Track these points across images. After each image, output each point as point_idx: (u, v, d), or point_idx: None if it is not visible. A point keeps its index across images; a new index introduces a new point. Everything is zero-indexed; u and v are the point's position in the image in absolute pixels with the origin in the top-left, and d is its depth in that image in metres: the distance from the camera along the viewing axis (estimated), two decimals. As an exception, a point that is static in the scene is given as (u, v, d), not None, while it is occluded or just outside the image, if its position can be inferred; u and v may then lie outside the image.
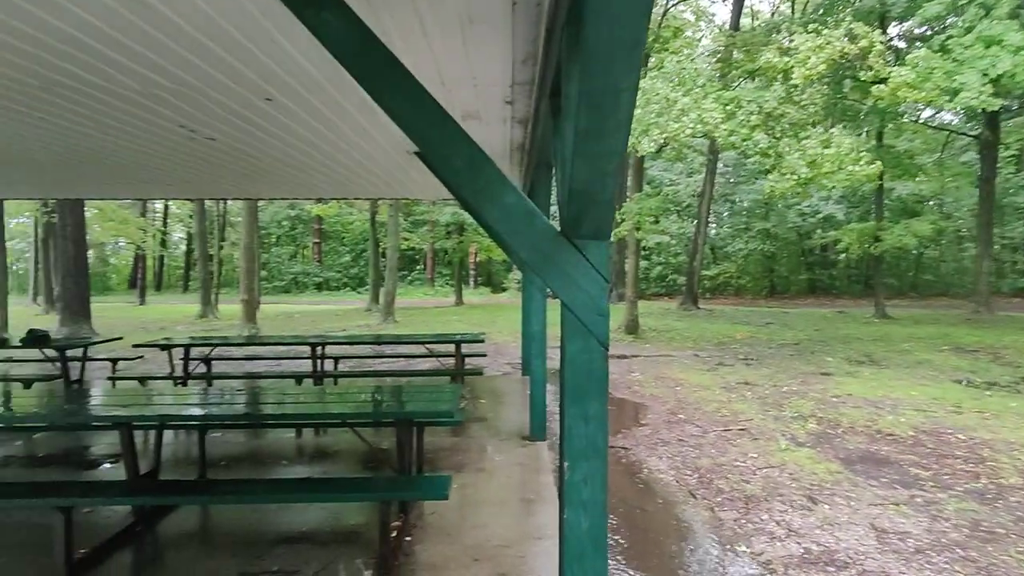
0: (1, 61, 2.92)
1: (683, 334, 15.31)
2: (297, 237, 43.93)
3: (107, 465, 4.80)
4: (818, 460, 5.55)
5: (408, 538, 3.45)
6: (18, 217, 30.84)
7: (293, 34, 2.67)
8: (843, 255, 27.35)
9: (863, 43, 11.02)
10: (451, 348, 7.26)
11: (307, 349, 6.89)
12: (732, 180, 33.33)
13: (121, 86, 3.26)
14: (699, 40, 27.98)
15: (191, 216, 33.29)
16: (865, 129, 19.76)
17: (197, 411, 3.50)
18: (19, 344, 6.77)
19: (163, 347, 6.74)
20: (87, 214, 33.22)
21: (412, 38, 2.71)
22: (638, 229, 14.08)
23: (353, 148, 5.01)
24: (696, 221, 24.94)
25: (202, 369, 7.47)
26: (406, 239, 27.43)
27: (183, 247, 45.63)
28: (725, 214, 36.47)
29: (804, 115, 12.13)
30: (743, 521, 4.33)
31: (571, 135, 1.71)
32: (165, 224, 44.47)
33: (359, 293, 35.37)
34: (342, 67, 1.81)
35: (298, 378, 6.49)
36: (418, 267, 40.37)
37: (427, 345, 6.96)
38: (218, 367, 9.08)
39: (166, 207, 43.43)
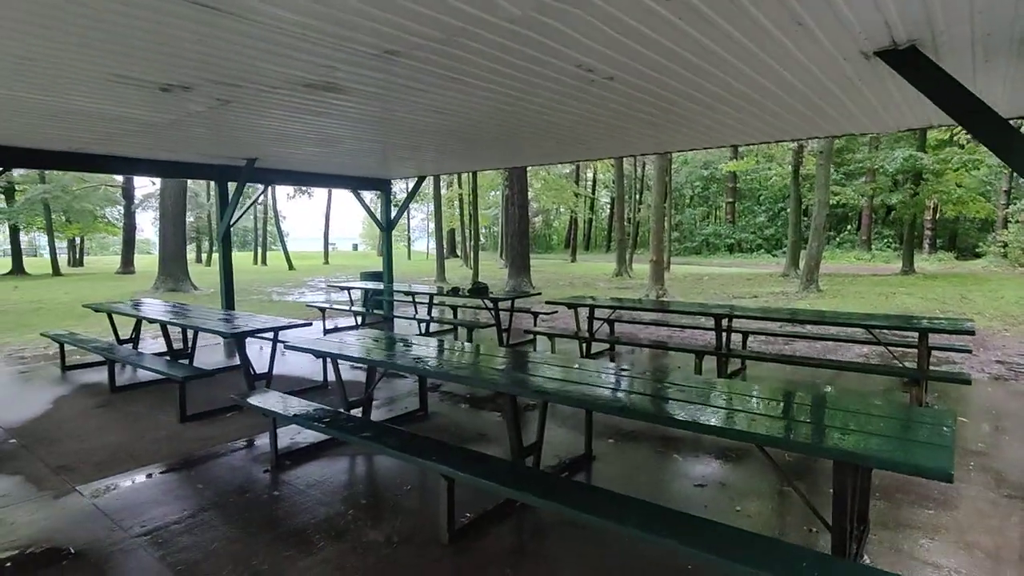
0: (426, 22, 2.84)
1: None
2: (710, 197, 43.06)
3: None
4: None
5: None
6: (491, 191, 39.29)
7: None
8: None
9: None
10: (904, 335, 5.22)
11: (711, 320, 5.97)
12: None
13: (504, 16, 2.86)
14: None
15: (614, 181, 36.13)
16: None
17: (588, 391, 2.99)
18: (467, 294, 7.98)
19: (569, 306, 6.86)
20: (537, 185, 39.89)
21: None
22: None
23: (778, 60, 3.69)
24: None
25: (606, 329, 7.42)
26: (836, 193, 23.20)
27: (608, 210, 50.35)
28: None
29: None
30: None
31: None
32: (593, 190, 49.99)
33: (774, 256, 32.32)
34: None
35: (699, 353, 5.64)
36: (849, 227, 34.27)
37: (873, 330, 5.11)
38: (621, 328, 9.07)
39: (594, 175, 48.66)
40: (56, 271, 26.86)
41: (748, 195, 39.42)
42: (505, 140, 6.91)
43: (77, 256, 37.92)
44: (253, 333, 5.26)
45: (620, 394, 2.92)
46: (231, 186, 9.01)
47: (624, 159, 28.53)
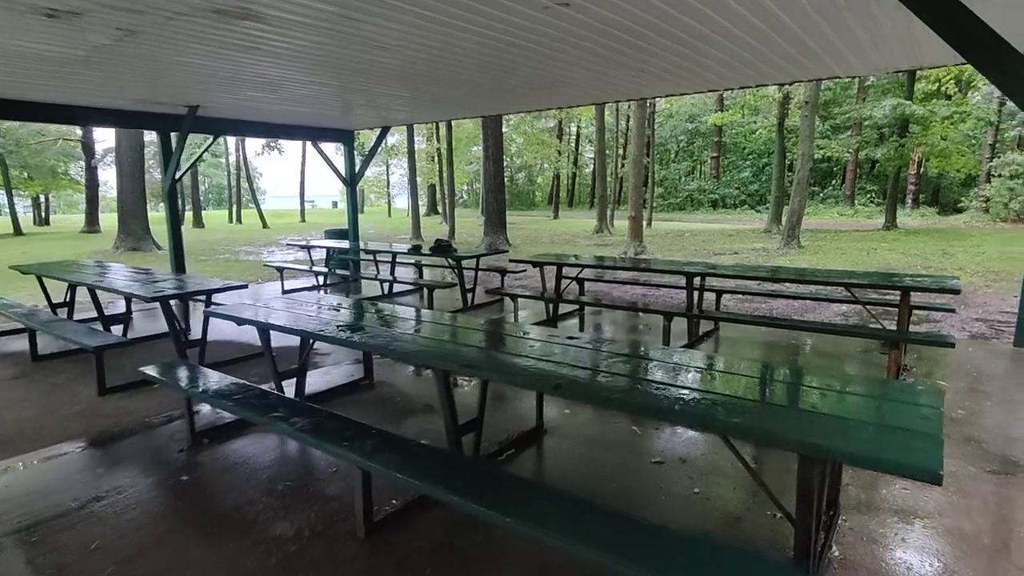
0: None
1: None
2: (694, 152, 42.29)
3: (464, 386, 4.59)
4: None
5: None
6: (474, 146, 38.20)
7: None
8: None
9: None
10: (886, 293, 4.89)
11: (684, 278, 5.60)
12: None
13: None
14: None
15: (597, 136, 35.12)
16: None
17: (525, 364, 2.60)
18: (428, 252, 7.51)
19: (534, 264, 6.43)
20: (519, 140, 38.70)
21: None
22: None
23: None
24: None
25: (577, 289, 7.03)
26: (821, 147, 22.71)
27: (592, 166, 49.41)
28: None
29: None
30: None
31: None
32: (577, 145, 48.89)
33: (758, 212, 32.01)
34: None
35: (668, 315, 5.28)
36: (833, 182, 33.93)
37: (852, 288, 4.76)
38: (596, 288, 8.70)
39: (578, 129, 47.49)
40: (17, 230, 25.78)
41: (733, 150, 38.76)
42: (467, 85, 6.33)
43: (43, 215, 36.54)
44: (182, 296, 4.78)
45: (562, 369, 2.53)
46: (181, 139, 8.32)
47: (605, 111, 27.64)
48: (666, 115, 41.38)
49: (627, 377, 2.37)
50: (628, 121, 36.47)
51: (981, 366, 4.99)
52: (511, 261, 6.75)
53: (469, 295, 7.45)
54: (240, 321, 3.75)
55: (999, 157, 25.05)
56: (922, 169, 27.75)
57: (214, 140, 9.22)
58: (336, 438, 2.59)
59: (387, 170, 51.44)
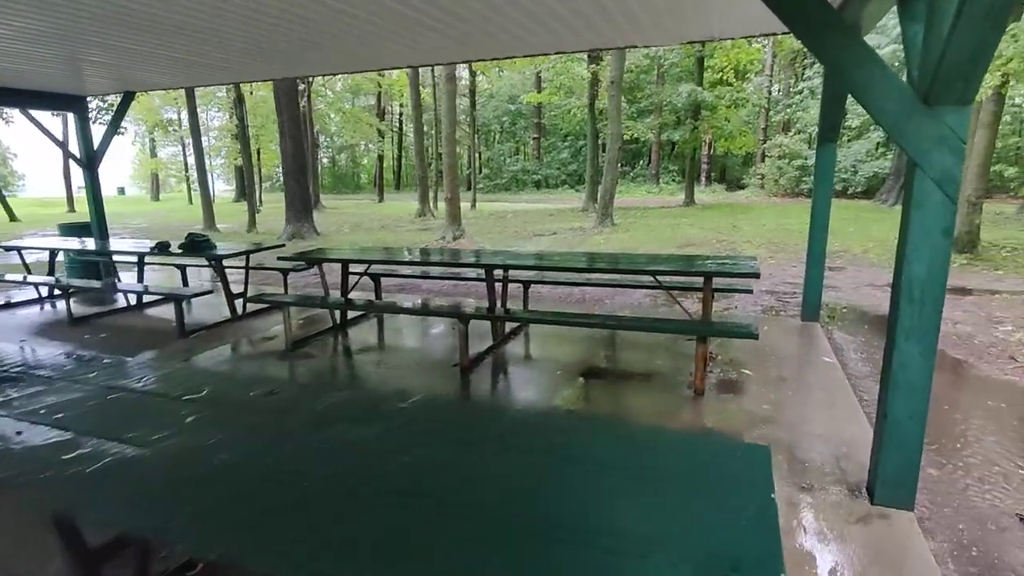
0: None
1: (1049, 254, 10.07)
2: (517, 133, 42.89)
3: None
4: None
5: None
6: (283, 122, 34.52)
7: None
8: None
9: None
10: (691, 276, 4.63)
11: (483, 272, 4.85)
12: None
13: None
14: None
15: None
16: None
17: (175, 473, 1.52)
18: (179, 251, 5.92)
19: (310, 262, 5.26)
20: (336, 118, 35.85)
21: None
22: (1004, 84, 8.87)
23: None
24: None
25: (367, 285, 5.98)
26: (629, 128, 23.97)
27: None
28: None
29: None
30: None
31: None
32: (401, 126, 47.02)
33: (577, 191, 33.32)
34: None
35: (464, 318, 4.49)
36: (641, 162, 36.53)
37: (659, 276, 4.37)
38: (400, 283, 7.75)
39: (401, 110, 45.61)
40: None
41: (553, 131, 39.95)
42: (224, 39, 4.85)
43: None
44: None
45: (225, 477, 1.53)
46: None
47: (425, 91, 26.51)
48: (488, 95, 41.39)
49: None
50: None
51: (777, 346, 4.94)
52: (279, 259, 5.45)
53: (239, 302, 6.04)
54: None
55: (770, 140, 28.67)
56: (712, 150, 30.87)
57: None
58: None
59: (183, 150, 45.01)
